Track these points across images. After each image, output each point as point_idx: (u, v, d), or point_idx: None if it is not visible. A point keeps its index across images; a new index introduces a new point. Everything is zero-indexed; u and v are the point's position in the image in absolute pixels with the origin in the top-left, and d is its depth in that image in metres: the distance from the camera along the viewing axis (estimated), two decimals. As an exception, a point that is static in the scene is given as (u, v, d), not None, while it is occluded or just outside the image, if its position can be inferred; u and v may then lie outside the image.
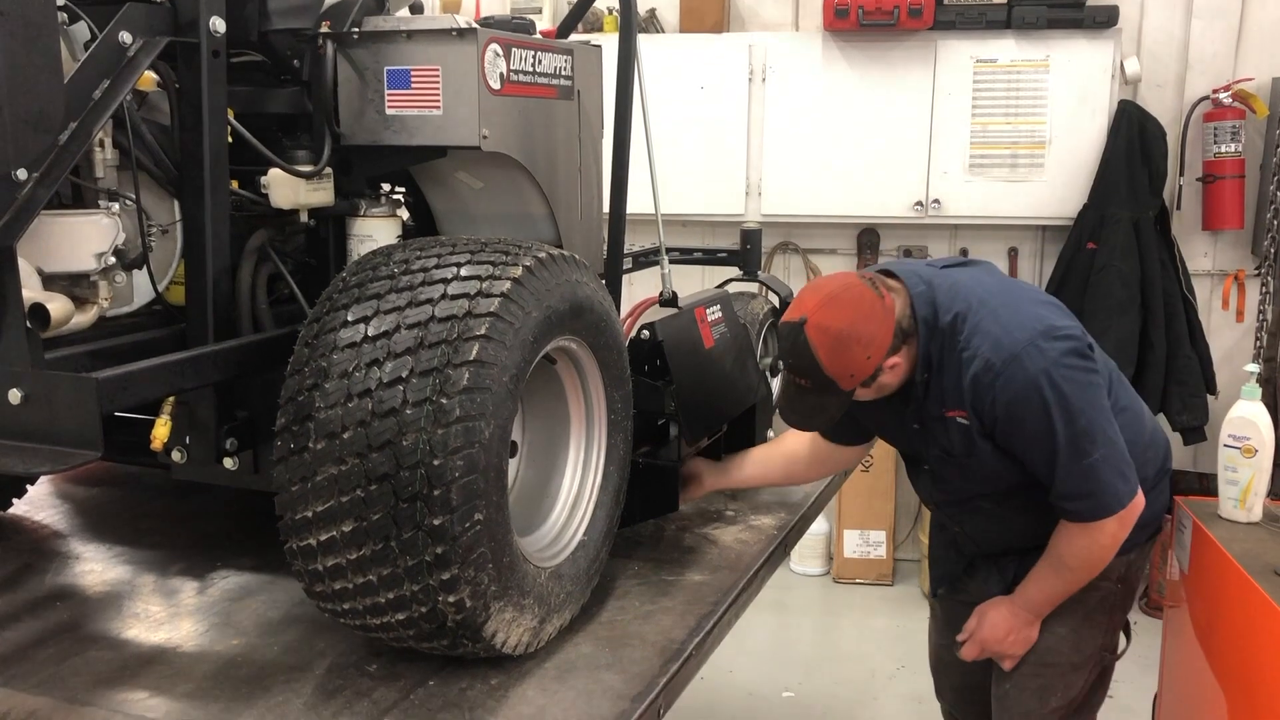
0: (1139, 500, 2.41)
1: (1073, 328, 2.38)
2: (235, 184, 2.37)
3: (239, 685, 2.04)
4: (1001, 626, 2.62)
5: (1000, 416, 2.35)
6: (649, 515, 2.67)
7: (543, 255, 2.09)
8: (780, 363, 2.46)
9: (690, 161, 5.76)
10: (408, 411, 1.86)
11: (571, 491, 2.36)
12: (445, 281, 1.98)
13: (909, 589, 5.77)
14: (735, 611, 2.45)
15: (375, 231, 2.52)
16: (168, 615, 2.35)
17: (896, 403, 2.52)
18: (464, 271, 2.00)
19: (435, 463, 1.84)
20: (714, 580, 2.55)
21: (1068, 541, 2.47)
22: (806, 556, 5.85)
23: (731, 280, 3.73)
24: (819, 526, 5.78)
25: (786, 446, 2.91)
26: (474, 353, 1.89)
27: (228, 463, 2.29)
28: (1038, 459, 2.38)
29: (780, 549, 2.83)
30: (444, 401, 1.86)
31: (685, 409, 2.59)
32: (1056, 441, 2.31)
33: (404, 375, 1.88)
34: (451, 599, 1.91)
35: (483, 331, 1.91)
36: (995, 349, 2.32)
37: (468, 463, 1.86)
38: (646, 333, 2.58)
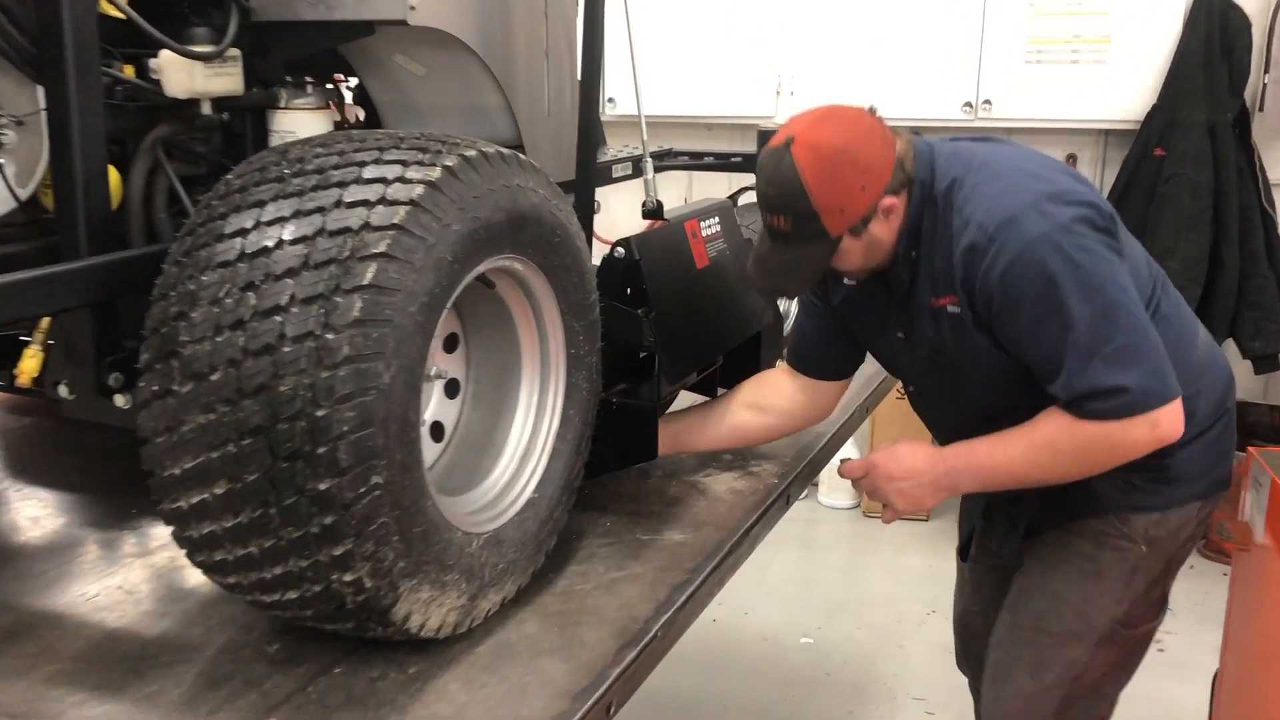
0: (1178, 409, 1.93)
1: (1087, 193, 1.99)
2: (130, 70, 1.99)
3: (112, 667, 1.72)
4: (906, 462, 2.15)
5: (995, 295, 1.93)
6: (624, 464, 2.30)
7: (472, 154, 1.69)
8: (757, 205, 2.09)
9: (712, 56, 5.26)
10: (285, 349, 1.48)
11: (522, 440, 1.99)
12: (343, 185, 1.59)
13: (946, 525, 5.38)
14: (717, 579, 2.09)
15: (301, 127, 2.13)
16: (58, 574, 2.03)
17: (880, 297, 2.16)
18: (368, 173, 1.60)
19: (319, 414, 1.47)
20: (695, 540, 2.18)
21: (1071, 426, 1.95)
22: (835, 488, 5.47)
23: (749, 189, 3.29)
24: (849, 455, 5.38)
25: (745, 396, 2.44)
26: (369, 275, 1.50)
27: (118, 399, 1.93)
28: (1042, 353, 1.93)
29: (781, 501, 2.45)
30: (329, 337, 1.48)
31: (666, 341, 2.19)
32: (1067, 320, 1.87)
33: (282, 303, 1.50)
34: (347, 578, 1.56)
35: (382, 249, 1.52)
36: (990, 212, 1.94)
37: (361, 414, 1.49)
38: (621, 250, 2.18)
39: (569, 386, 2.01)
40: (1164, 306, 2.11)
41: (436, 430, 1.97)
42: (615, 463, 2.27)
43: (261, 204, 1.59)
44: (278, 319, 1.49)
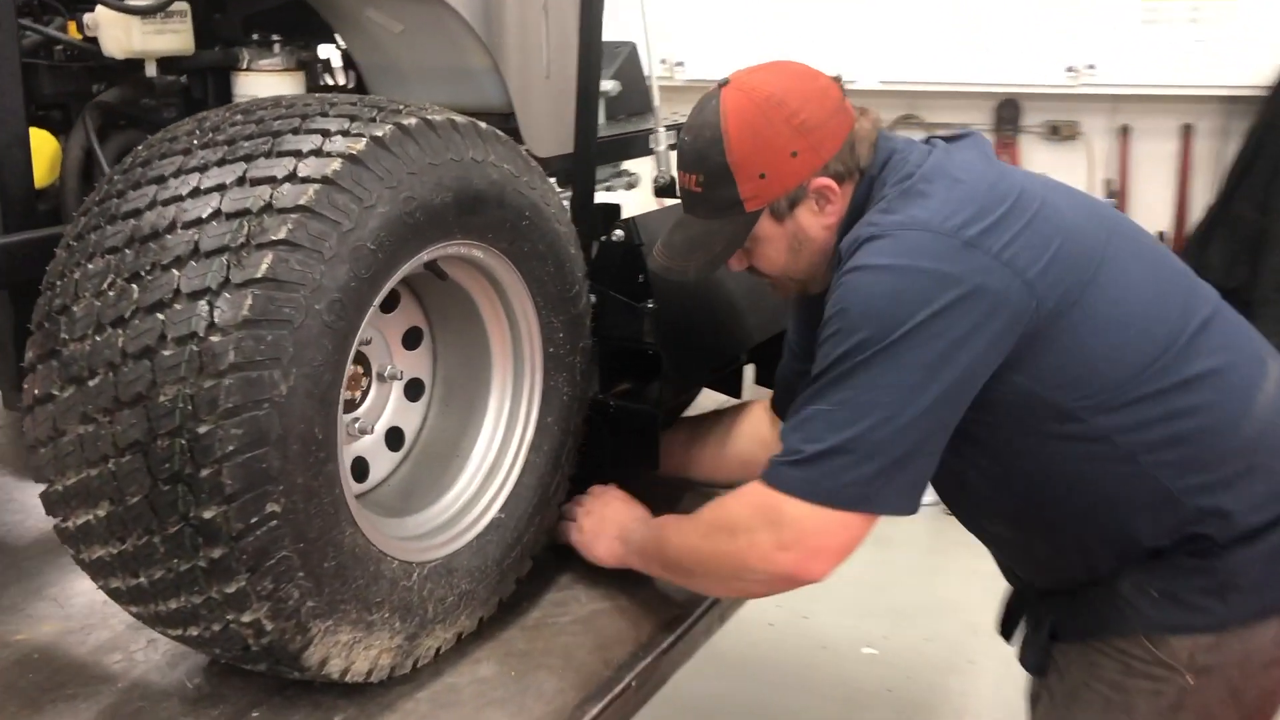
0: (847, 533, 1.52)
1: (995, 270, 1.48)
2: (72, 27, 1.80)
3: (11, 698, 1.53)
4: (611, 501, 1.86)
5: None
6: (621, 474, 2.03)
7: (411, 122, 1.44)
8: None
9: (784, 12, 4.91)
10: (166, 352, 1.26)
11: (489, 452, 1.74)
12: (250, 159, 1.36)
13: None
14: (718, 615, 1.81)
15: (266, 90, 1.91)
16: (-4, 581, 1.86)
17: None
18: (284, 145, 1.37)
19: (200, 430, 1.25)
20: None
21: (731, 499, 1.62)
22: (915, 482, 5.11)
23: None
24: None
25: (756, 426, 2.04)
26: (263, 267, 1.27)
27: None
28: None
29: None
30: (214, 339, 1.25)
31: (671, 339, 1.92)
32: (826, 359, 1.50)
33: (166, 298, 1.28)
34: (245, 619, 1.34)
35: (281, 235, 1.28)
36: (873, 226, 1.55)
37: (251, 431, 1.26)
38: (619, 233, 1.91)
39: (547, 390, 1.75)
40: (1186, 399, 1.56)
41: (394, 438, 1.73)
42: (612, 472, 2.01)
43: (161, 180, 1.37)
44: (160, 316, 1.27)
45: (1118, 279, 1.55)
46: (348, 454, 1.64)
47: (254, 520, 1.28)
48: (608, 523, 1.83)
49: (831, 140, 1.62)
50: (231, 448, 1.25)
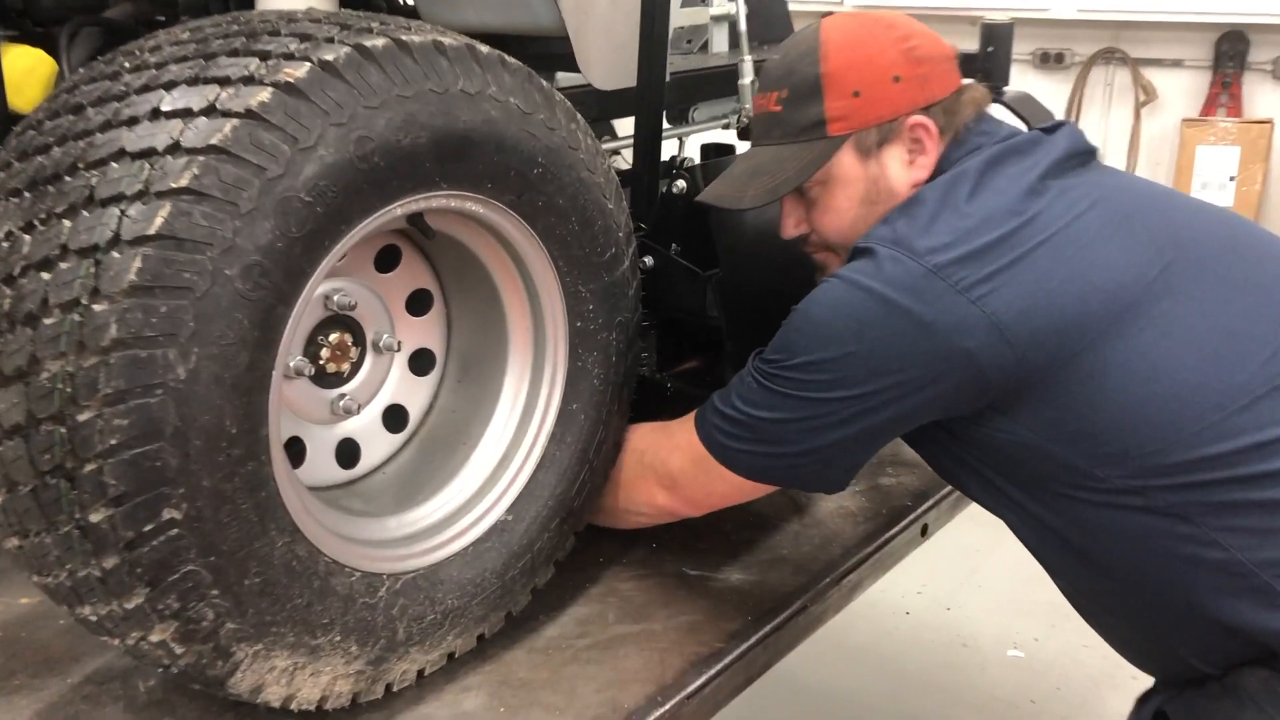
0: (727, 487, 1.45)
1: (971, 280, 1.27)
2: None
3: (-44, 688, 1.38)
4: None
5: None
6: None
7: (377, 44, 1.16)
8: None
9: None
10: (48, 320, 1.04)
11: (500, 441, 1.48)
12: (171, 87, 1.11)
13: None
14: (762, 655, 1.51)
15: (293, 4, 1.67)
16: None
17: None
18: (214, 70, 1.12)
19: (80, 417, 1.03)
20: (759, 586, 1.60)
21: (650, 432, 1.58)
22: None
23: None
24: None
25: None
26: (158, 220, 1.03)
27: None
28: None
29: (911, 534, 1.81)
30: (96, 308, 1.02)
31: (738, 313, 1.60)
32: (774, 344, 1.38)
33: (54, 253, 1.05)
34: (152, 638, 1.12)
35: (183, 181, 1.04)
36: (868, 239, 1.36)
37: (139, 422, 1.03)
38: (681, 184, 1.59)
39: (573, 371, 1.47)
40: (1266, 464, 1.25)
41: (395, 417, 1.49)
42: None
43: (79, 110, 1.15)
44: (45, 276, 1.05)
45: (1160, 321, 1.28)
46: (332, 435, 1.42)
47: (148, 528, 1.06)
48: None
49: (941, 81, 1.42)
50: (114, 441, 1.02)
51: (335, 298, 1.35)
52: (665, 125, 2.31)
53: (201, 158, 1.04)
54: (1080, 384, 1.28)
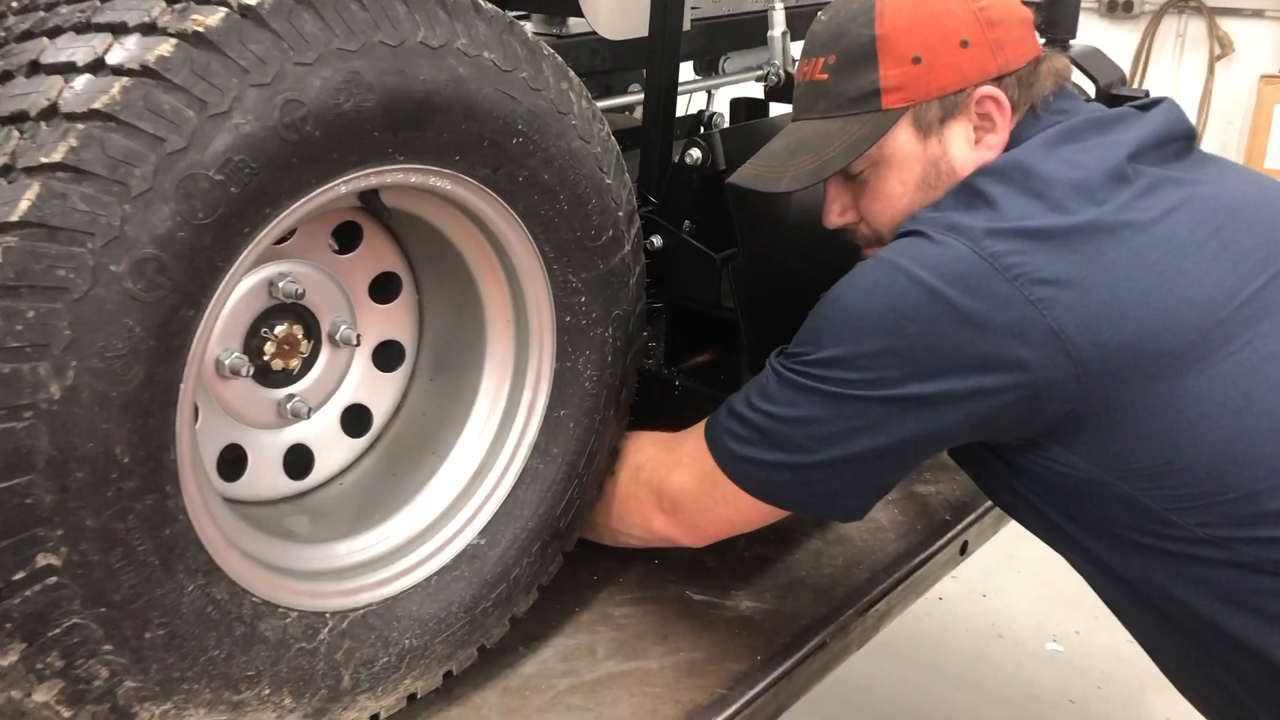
0: (732, 510, 1.25)
1: (1036, 278, 1.07)
2: None
3: None
4: None
5: None
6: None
7: (317, -14, 0.95)
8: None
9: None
10: (-105, 323, 0.85)
11: (476, 451, 1.28)
12: (56, 34, 0.91)
13: None
14: (773, 700, 1.31)
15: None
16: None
17: None
18: (107, 14, 0.91)
19: (-71, 442, 0.84)
20: (771, 616, 1.41)
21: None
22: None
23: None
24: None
25: None
26: (23, 205, 0.83)
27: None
28: None
29: (949, 554, 1.60)
30: (-53, 314, 0.83)
31: (757, 304, 1.38)
32: (800, 337, 1.19)
33: (-94, 241, 0.86)
34: (36, 698, 0.94)
35: (57, 155, 0.84)
36: (918, 222, 1.17)
37: (3, 453, 0.84)
38: (696, 153, 1.37)
39: (561, 373, 1.26)
40: None
41: (356, 419, 1.30)
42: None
43: (-44, 61, 0.94)
44: (-105, 268, 0.86)
45: (1256, 346, 1.09)
46: (280, 441, 1.23)
47: (18, 577, 0.87)
48: None
49: (1016, 48, 1.22)
50: (-30, 471, 0.84)
51: (280, 284, 1.15)
52: (694, 77, 2.08)
53: (82, 126, 0.84)
54: (1155, 415, 1.09)
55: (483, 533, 1.24)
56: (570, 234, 1.20)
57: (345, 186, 1.01)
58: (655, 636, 1.36)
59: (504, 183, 1.13)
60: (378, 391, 1.30)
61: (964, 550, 1.63)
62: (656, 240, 1.42)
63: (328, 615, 1.11)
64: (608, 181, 1.22)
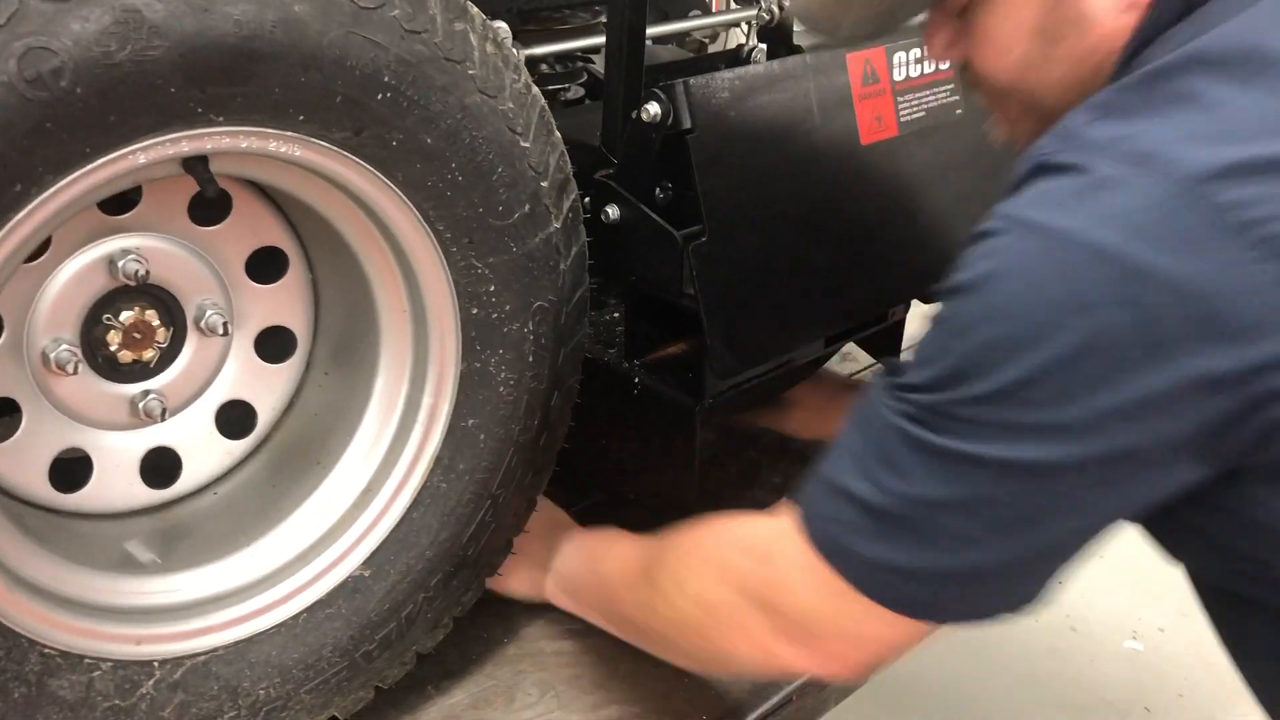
0: (871, 629, 0.87)
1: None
2: None
3: None
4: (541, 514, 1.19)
5: None
6: (644, 492, 1.31)
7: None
8: None
9: None
10: None
11: (366, 464, 1.08)
12: None
13: None
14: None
15: None
16: None
17: None
18: None
19: None
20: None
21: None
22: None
23: None
24: None
25: None
26: None
27: None
28: None
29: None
30: None
31: (723, 291, 1.14)
32: (921, 350, 0.83)
33: None
34: None
35: None
36: (1072, 141, 0.80)
37: None
38: (656, 107, 1.13)
39: (468, 374, 1.05)
40: None
41: (237, 418, 1.11)
42: (632, 485, 1.30)
43: None
44: None
45: None
46: (137, 444, 1.05)
47: None
48: (524, 538, 1.17)
49: None
50: None
51: (122, 263, 0.96)
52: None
53: None
54: None
55: (367, 562, 1.05)
56: (469, 210, 0.98)
57: (146, 155, 0.81)
58: (585, 683, 1.16)
59: (372, 148, 0.91)
60: (263, 386, 1.11)
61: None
62: (612, 212, 1.19)
63: (155, 664, 0.93)
64: (523, 145, 0.99)
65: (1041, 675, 3.01)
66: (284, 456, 1.11)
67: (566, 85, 1.52)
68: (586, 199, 1.18)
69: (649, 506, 1.32)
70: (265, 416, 1.12)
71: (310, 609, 1.02)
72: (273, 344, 1.11)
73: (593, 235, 1.12)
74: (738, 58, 1.90)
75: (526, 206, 1.01)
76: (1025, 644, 3.11)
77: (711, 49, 1.78)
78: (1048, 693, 2.94)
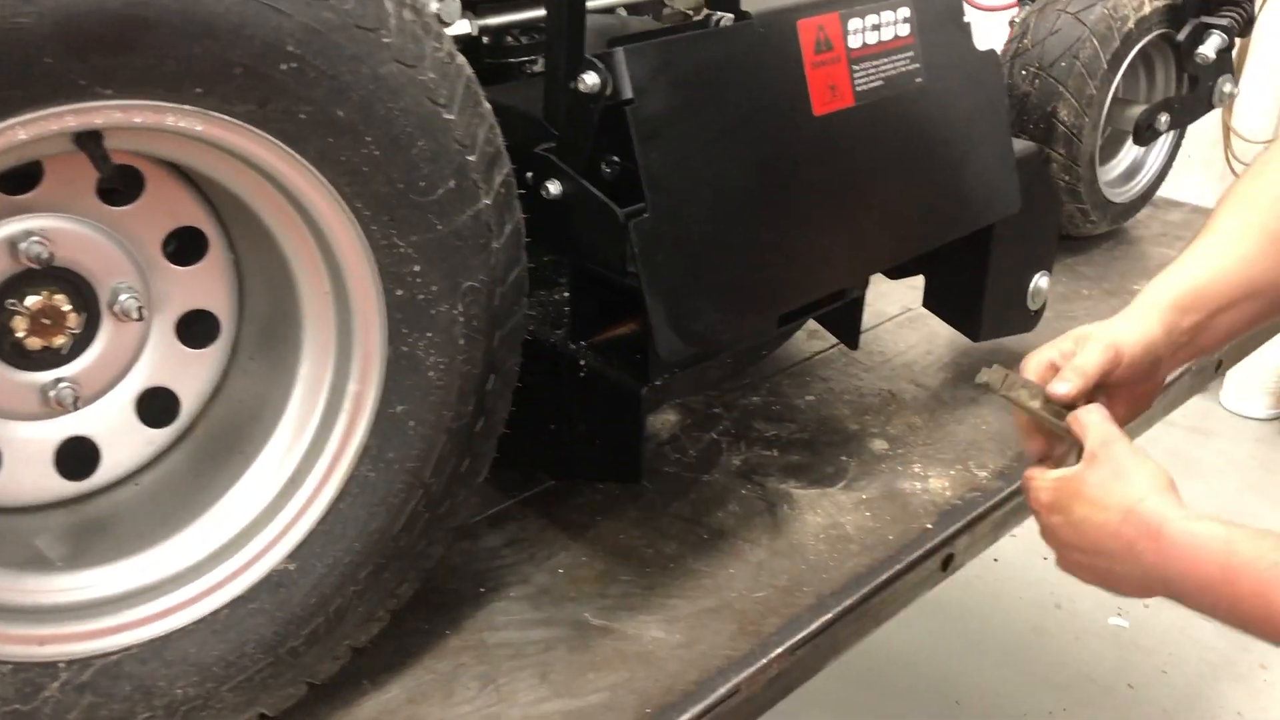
0: None
1: None
2: None
3: None
4: (1088, 535, 1.06)
5: None
6: (591, 474, 1.27)
7: None
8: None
9: None
10: None
11: (290, 453, 1.03)
12: None
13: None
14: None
15: None
16: None
17: None
18: None
19: None
20: (678, 654, 1.14)
21: None
22: (1246, 388, 3.91)
23: None
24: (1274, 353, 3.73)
25: None
26: None
27: None
28: None
29: (924, 570, 1.32)
30: None
31: (666, 269, 1.10)
32: None
33: None
34: None
35: None
36: None
37: None
38: (594, 77, 1.08)
39: (395, 359, 1.00)
40: None
41: (159, 405, 1.06)
42: (580, 468, 1.26)
43: None
44: None
45: None
46: (51, 434, 1.00)
47: None
48: (1108, 573, 1.09)
49: None
50: None
51: (24, 245, 0.92)
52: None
53: None
54: None
55: (292, 555, 1.00)
56: (388, 186, 0.93)
57: (26, 131, 0.76)
58: (530, 675, 1.12)
59: (279, 122, 0.86)
60: (185, 372, 1.06)
61: (947, 566, 1.34)
62: (553, 187, 1.14)
63: (60, 666, 0.89)
64: (446, 117, 0.95)
65: (1025, 654, 2.98)
66: (209, 446, 1.07)
67: (533, 57, 1.47)
68: (530, 174, 1.14)
69: (601, 489, 1.28)
70: (189, 404, 1.07)
71: (231, 604, 0.98)
72: (197, 328, 1.06)
73: (538, 211, 1.08)
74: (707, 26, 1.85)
75: (451, 182, 0.96)
76: (1010, 622, 3.09)
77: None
78: (1030, 672, 2.92)
